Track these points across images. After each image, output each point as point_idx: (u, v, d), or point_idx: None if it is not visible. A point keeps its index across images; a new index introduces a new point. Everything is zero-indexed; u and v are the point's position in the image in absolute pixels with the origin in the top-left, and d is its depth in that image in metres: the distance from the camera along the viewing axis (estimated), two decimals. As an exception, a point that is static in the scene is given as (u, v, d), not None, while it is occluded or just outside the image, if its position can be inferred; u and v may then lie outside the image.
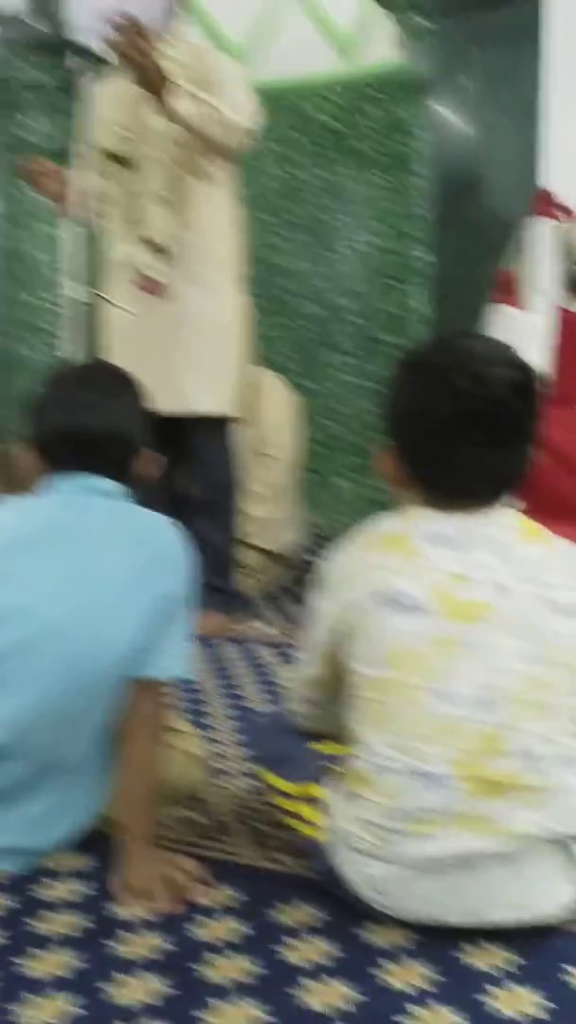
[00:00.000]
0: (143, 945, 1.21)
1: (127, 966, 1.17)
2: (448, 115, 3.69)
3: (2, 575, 1.35)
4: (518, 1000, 1.11)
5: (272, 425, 3.51)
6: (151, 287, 2.67)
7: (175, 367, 2.71)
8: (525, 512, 1.29)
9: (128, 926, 1.25)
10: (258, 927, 1.25)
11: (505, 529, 1.24)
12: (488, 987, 1.14)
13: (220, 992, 1.12)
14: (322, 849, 1.28)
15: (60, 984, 1.13)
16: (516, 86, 3.66)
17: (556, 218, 2.88)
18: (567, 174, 3.32)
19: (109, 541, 1.39)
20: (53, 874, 1.37)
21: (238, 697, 2.23)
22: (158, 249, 2.67)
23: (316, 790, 1.32)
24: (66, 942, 1.21)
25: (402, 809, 1.19)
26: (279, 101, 5.03)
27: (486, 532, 1.23)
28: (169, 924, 1.25)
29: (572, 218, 2.91)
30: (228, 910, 1.29)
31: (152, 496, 1.57)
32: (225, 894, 1.33)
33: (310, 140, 5.08)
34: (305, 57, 4.94)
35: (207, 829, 1.52)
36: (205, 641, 2.68)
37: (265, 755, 1.50)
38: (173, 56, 2.61)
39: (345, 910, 1.27)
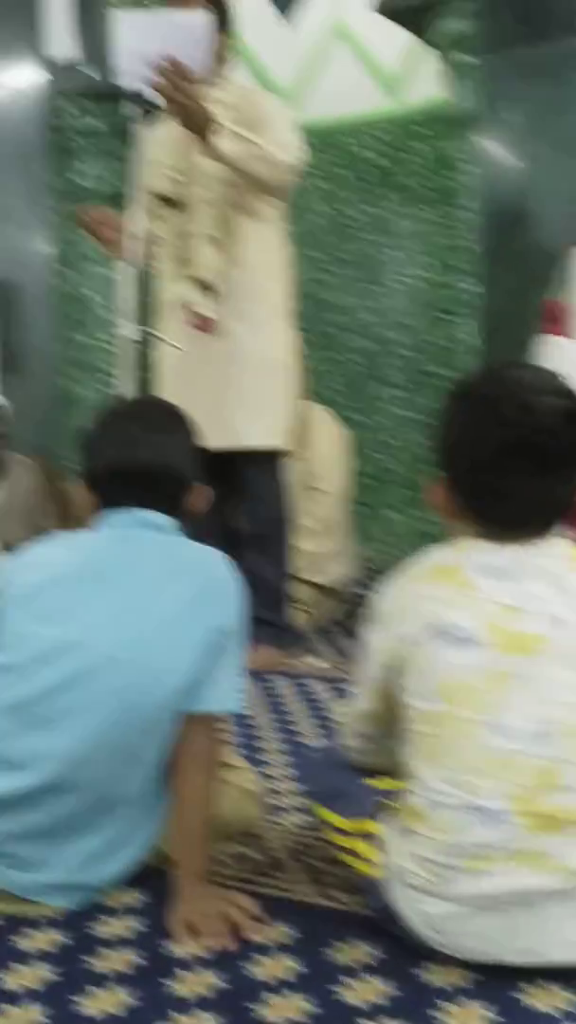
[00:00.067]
0: (198, 983, 1.20)
1: (182, 1004, 1.16)
2: (494, 149, 3.71)
3: (54, 609, 1.37)
4: (581, 1044, 1.08)
5: (321, 459, 3.52)
6: (203, 324, 2.71)
7: (225, 403, 2.74)
8: (577, 541, 1.27)
9: (183, 963, 1.24)
10: (314, 965, 1.24)
11: (558, 559, 1.23)
12: (550, 1030, 1.11)
13: (275, 1031, 1.10)
14: (378, 886, 1.26)
15: (115, 1023, 1.13)
16: (561, 119, 3.67)
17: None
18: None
19: (161, 575, 1.40)
20: (108, 910, 1.37)
21: (291, 732, 2.22)
22: (208, 288, 2.71)
23: (371, 826, 1.31)
24: (121, 979, 1.21)
25: (458, 845, 1.17)
26: (327, 139, 5.11)
27: (539, 563, 1.22)
28: (224, 962, 1.24)
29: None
30: (283, 948, 1.28)
31: (203, 530, 1.59)
32: (280, 931, 1.31)
33: (358, 177, 5.14)
34: (352, 96, 5.01)
35: (261, 865, 1.51)
36: (258, 676, 2.68)
37: (318, 790, 1.49)
38: (221, 98, 2.66)
39: (402, 948, 1.25)
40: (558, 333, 2.83)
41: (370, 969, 1.23)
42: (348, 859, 1.36)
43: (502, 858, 1.16)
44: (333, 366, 5.19)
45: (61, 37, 4.48)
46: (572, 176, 3.62)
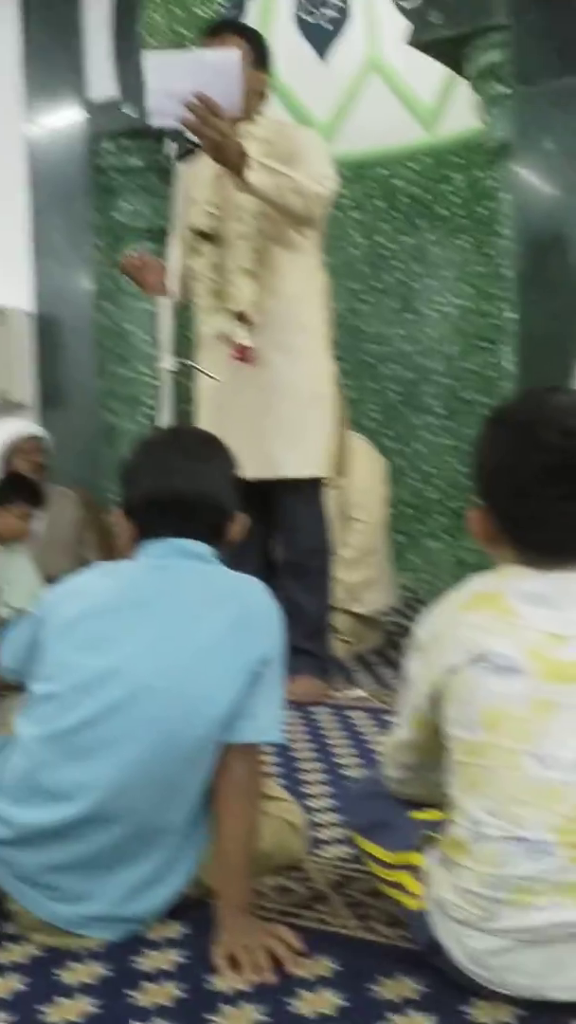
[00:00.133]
0: (240, 1017, 1.19)
1: (224, 1038, 1.15)
2: (529, 177, 3.71)
3: (95, 639, 1.37)
4: None
5: (360, 488, 3.52)
6: (245, 355, 2.73)
7: (264, 432, 2.76)
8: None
9: (225, 997, 1.23)
10: (357, 1000, 1.22)
11: (602, 586, 1.21)
12: (600, 1070, 1.08)
13: (319, 1068, 1.09)
14: (421, 919, 1.25)
15: (157, 1055, 1.12)
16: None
17: None
18: None
19: (200, 604, 1.40)
20: (149, 942, 1.36)
21: (332, 763, 2.20)
22: (246, 320, 2.74)
23: (414, 858, 1.29)
24: (163, 1012, 1.20)
25: (501, 877, 1.15)
26: (362, 172, 5.16)
27: (581, 590, 1.20)
28: (266, 995, 1.23)
29: None
30: (326, 982, 1.26)
31: (243, 560, 1.59)
32: (323, 965, 1.30)
33: (393, 208, 5.18)
34: (387, 128, 5.06)
35: (303, 898, 1.49)
36: (298, 706, 2.67)
37: (360, 822, 1.47)
38: (256, 132, 2.71)
39: (447, 983, 1.22)
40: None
41: (414, 1005, 1.21)
42: (391, 892, 1.34)
43: (547, 891, 1.13)
44: (370, 395, 5.21)
45: (102, 77, 4.58)
46: (608, 202, 3.61)
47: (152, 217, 4.65)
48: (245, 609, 1.40)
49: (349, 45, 5.11)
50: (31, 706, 1.40)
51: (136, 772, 1.33)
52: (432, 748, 1.28)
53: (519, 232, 3.80)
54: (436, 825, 1.29)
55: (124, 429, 4.72)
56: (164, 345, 2.68)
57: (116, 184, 4.67)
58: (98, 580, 1.46)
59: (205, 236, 2.79)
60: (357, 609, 3.57)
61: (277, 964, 1.28)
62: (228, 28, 2.87)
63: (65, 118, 4.68)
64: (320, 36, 5.16)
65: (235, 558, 1.54)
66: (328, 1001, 1.22)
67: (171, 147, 2.59)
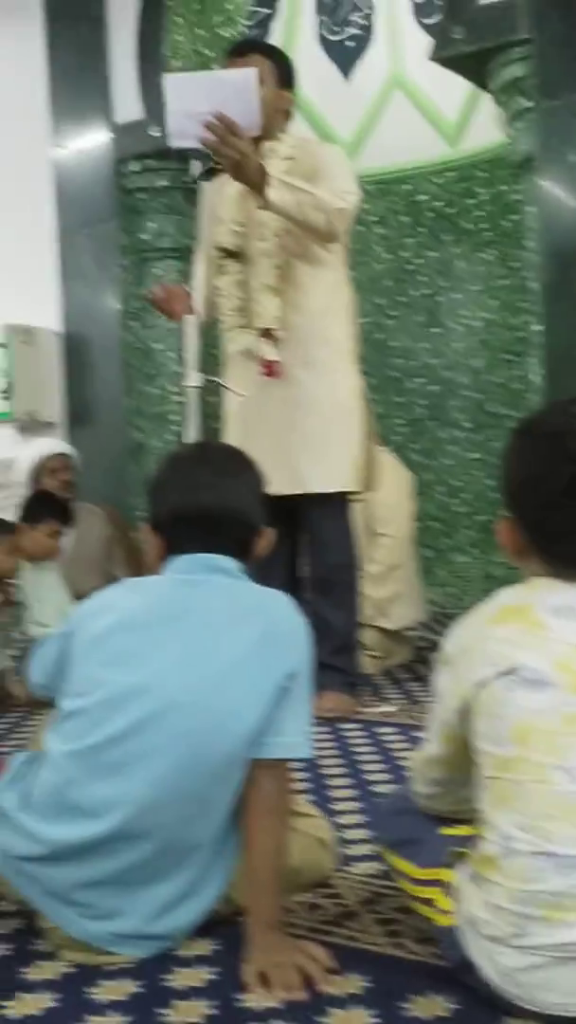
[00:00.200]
0: (270, 1034, 1.18)
1: (254, 1056, 1.14)
2: (553, 189, 3.71)
3: (122, 654, 1.38)
4: None
5: (386, 503, 3.51)
6: (272, 370, 2.75)
7: (291, 448, 2.76)
8: None
9: (255, 1015, 1.22)
10: (388, 1018, 1.21)
11: (631, 598, 1.20)
12: None
13: None
14: (452, 936, 1.23)
15: (187, 1073, 1.11)
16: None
17: None
18: None
19: (227, 619, 1.40)
20: (180, 959, 1.36)
21: (361, 779, 2.19)
22: (272, 337, 2.75)
23: (445, 874, 1.28)
24: (193, 1029, 1.20)
25: (532, 893, 1.13)
26: (387, 187, 5.18)
27: (611, 602, 1.19)
28: (297, 1013, 1.22)
29: None
30: (357, 999, 1.25)
31: (269, 575, 1.59)
32: (353, 983, 1.29)
33: (420, 223, 5.19)
34: (411, 144, 5.08)
35: (333, 914, 1.48)
36: (327, 722, 2.66)
37: (390, 838, 1.46)
38: (280, 150, 2.73)
39: (478, 1001, 1.21)
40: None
41: (445, 1023, 1.19)
42: (422, 909, 1.33)
43: (580, 907, 1.12)
44: (397, 409, 5.21)
45: (127, 99, 4.64)
46: None
47: (178, 236, 4.69)
48: (272, 624, 1.40)
49: (372, 62, 5.15)
50: (60, 722, 1.41)
51: (165, 788, 1.33)
52: (461, 763, 1.28)
53: (544, 244, 3.80)
54: (466, 841, 1.28)
55: (151, 446, 4.75)
56: (190, 362, 2.70)
57: (142, 204, 4.72)
58: (126, 595, 1.47)
59: (230, 254, 2.81)
60: (385, 624, 3.56)
61: (308, 982, 1.27)
62: (252, 47, 2.90)
63: (91, 140, 4.74)
64: (343, 54, 5.20)
65: (262, 573, 1.54)
66: (359, 1019, 1.20)
67: (196, 167, 2.61)
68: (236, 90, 2.46)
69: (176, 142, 2.54)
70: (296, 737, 1.37)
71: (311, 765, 2.22)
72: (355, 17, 5.15)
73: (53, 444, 4.21)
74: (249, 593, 1.45)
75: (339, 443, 2.81)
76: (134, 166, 4.64)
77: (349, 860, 1.68)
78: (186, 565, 1.44)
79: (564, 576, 1.21)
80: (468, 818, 1.29)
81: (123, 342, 4.70)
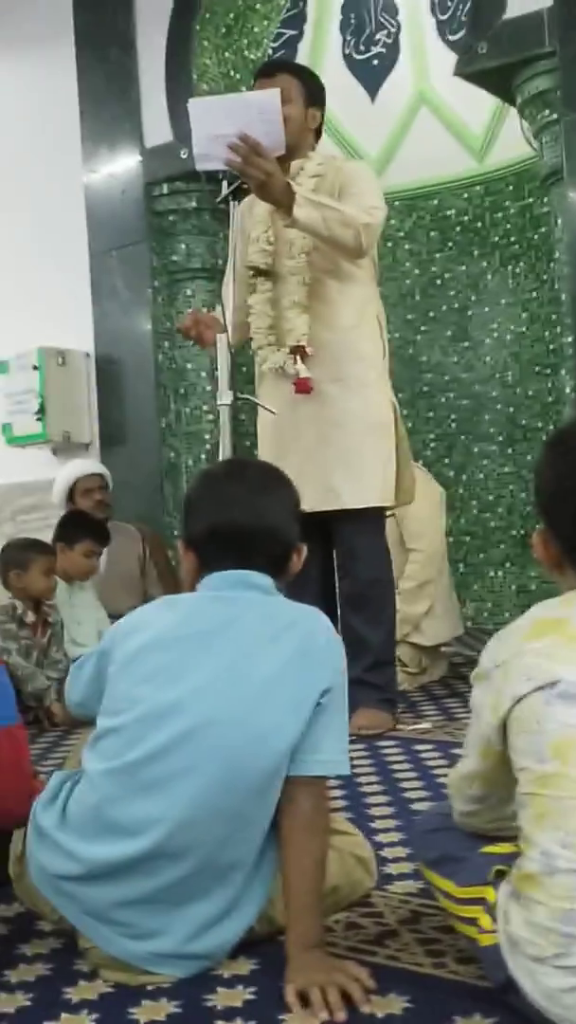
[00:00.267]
0: (311, 1055, 1.17)
1: (295, 1077, 1.13)
2: (584, 200, 3.70)
3: (158, 672, 1.38)
4: None
5: (417, 518, 3.50)
6: (303, 386, 2.76)
7: (323, 464, 2.77)
8: None
9: (295, 1035, 1.21)
10: (430, 1040, 1.19)
11: None
12: None
13: None
14: (495, 956, 1.22)
15: None
16: None
17: None
18: None
19: (262, 636, 1.40)
20: (220, 979, 1.35)
21: (398, 796, 2.17)
22: (302, 354, 2.77)
23: (486, 893, 1.27)
24: (233, 1050, 1.19)
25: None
26: (415, 204, 5.19)
27: None
28: (337, 1034, 1.21)
29: None
30: (398, 1020, 1.24)
31: (303, 591, 1.59)
32: (394, 1003, 1.27)
33: (448, 238, 5.19)
34: (438, 159, 5.08)
35: (373, 933, 1.47)
36: (362, 739, 2.64)
37: (429, 856, 1.45)
38: (308, 168, 2.75)
39: (521, 1022, 1.19)
40: None
41: (489, 1044, 1.18)
42: (463, 928, 1.31)
43: (625, 926, 1.10)
44: (428, 424, 5.19)
45: (157, 123, 4.69)
46: None
47: (207, 257, 4.73)
48: (307, 640, 1.40)
49: (398, 80, 5.16)
50: (97, 740, 1.41)
51: (203, 806, 1.33)
52: (500, 779, 1.26)
53: (573, 256, 3.78)
54: (508, 858, 1.26)
55: (184, 466, 4.78)
56: (222, 381, 2.71)
57: (172, 226, 4.76)
58: (161, 613, 1.47)
59: (261, 272, 2.84)
60: (420, 640, 3.54)
61: (348, 1002, 1.26)
62: (280, 68, 2.94)
63: (122, 164, 4.80)
64: (369, 73, 5.22)
65: (295, 589, 1.54)
66: (401, 1040, 1.19)
67: (226, 188, 2.64)
68: (260, 111, 2.49)
69: (202, 165, 2.57)
70: (333, 754, 1.37)
71: (348, 783, 2.21)
72: (380, 36, 5.18)
73: (87, 465, 4.26)
74: (283, 610, 1.44)
75: (372, 458, 2.81)
76: (164, 188, 4.69)
77: (388, 878, 1.67)
78: (221, 582, 1.45)
79: (600, 588, 1.20)
80: (508, 835, 1.28)
81: (155, 362, 4.74)
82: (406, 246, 5.23)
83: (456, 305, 5.16)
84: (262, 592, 1.45)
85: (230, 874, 1.37)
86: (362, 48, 5.22)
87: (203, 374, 4.71)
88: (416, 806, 2.09)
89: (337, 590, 2.93)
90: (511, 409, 5.02)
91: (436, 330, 5.21)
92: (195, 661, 1.38)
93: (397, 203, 4.93)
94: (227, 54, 4.77)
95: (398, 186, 4.97)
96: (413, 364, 5.16)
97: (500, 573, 4.99)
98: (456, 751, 2.38)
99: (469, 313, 5.13)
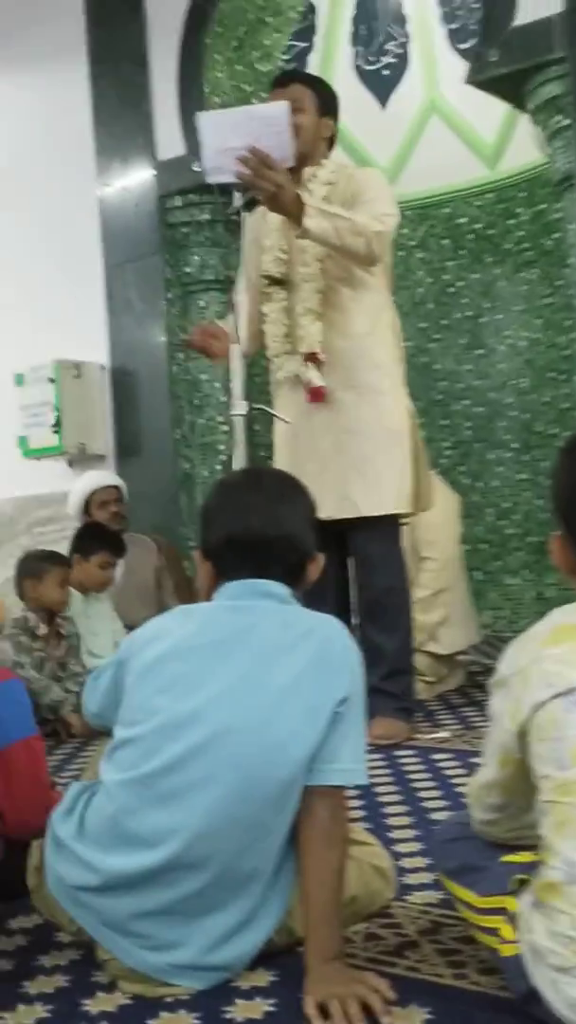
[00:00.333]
0: (332, 1068, 1.16)
1: None
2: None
3: (175, 682, 1.38)
4: None
5: (431, 526, 3.48)
6: (316, 394, 2.76)
7: (339, 472, 2.76)
8: None
9: (315, 1047, 1.21)
10: (452, 1051, 1.18)
11: None
12: None
13: None
14: (516, 966, 1.20)
15: None
16: None
17: None
18: None
19: (279, 644, 1.39)
20: (237, 991, 1.34)
21: (417, 805, 2.16)
22: (316, 361, 2.77)
23: (507, 902, 1.25)
24: (253, 1062, 1.18)
25: (599, 920, 1.11)
26: (428, 212, 5.19)
27: None
28: (358, 1045, 1.20)
29: None
30: (419, 1032, 1.23)
31: (319, 600, 1.58)
32: (415, 1015, 1.26)
33: (461, 246, 5.19)
34: (450, 167, 5.09)
35: (393, 944, 1.46)
36: (380, 748, 2.63)
37: (449, 866, 1.44)
38: (321, 176, 2.76)
39: (545, 1034, 1.18)
40: None
41: (512, 1056, 1.17)
42: (485, 938, 1.30)
43: None
44: (443, 432, 5.18)
45: (169, 136, 4.72)
46: None
47: (221, 268, 4.75)
48: (324, 649, 1.39)
49: (408, 89, 5.18)
50: (114, 751, 1.41)
51: (221, 816, 1.32)
52: (519, 788, 1.25)
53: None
54: (528, 867, 1.25)
55: (199, 476, 4.79)
56: (236, 391, 2.72)
57: (185, 238, 4.79)
58: (177, 622, 1.46)
59: (275, 281, 2.84)
60: (436, 649, 3.52)
61: (368, 1013, 1.25)
62: (294, 78, 2.96)
63: (135, 177, 4.83)
64: (380, 83, 5.24)
65: (312, 598, 1.53)
66: (422, 1052, 1.18)
67: (237, 199, 2.65)
68: (269, 123, 2.50)
69: (213, 178, 2.58)
70: (351, 763, 1.36)
71: (366, 792, 2.20)
72: (390, 46, 5.20)
73: (103, 477, 4.27)
74: (300, 618, 1.44)
75: (387, 466, 2.80)
76: (177, 201, 4.72)
77: (408, 889, 1.66)
78: (237, 591, 1.45)
79: (616, 593, 1.19)
80: (529, 844, 1.27)
81: (170, 373, 4.76)
82: (419, 255, 5.23)
83: (469, 313, 5.16)
84: (279, 601, 1.44)
85: (248, 885, 1.36)
86: (372, 59, 5.24)
87: (217, 385, 4.72)
88: (435, 815, 2.07)
89: (353, 599, 2.92)
90: (526, 416, 5.01)
91: (450, 338, 5.21)
92: (212, 671, 1.37)
93: (409, 212, 4.93)
94: (238, 67, 4.80)
95: (410, 195, 4.98)
96: (427, 372, 5.15)
97: (517, 580, 4.97)
98: (474, 760, 2.36)
99: (483, 320, 5.13)
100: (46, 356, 4.84)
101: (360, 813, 2.08)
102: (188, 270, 4.79)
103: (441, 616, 3.52)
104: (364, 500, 2.78)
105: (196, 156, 4.52)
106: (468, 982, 1.34)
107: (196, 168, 4.47)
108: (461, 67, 4.28)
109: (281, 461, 2.88)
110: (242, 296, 2.77)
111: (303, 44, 5.22)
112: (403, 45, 5.19)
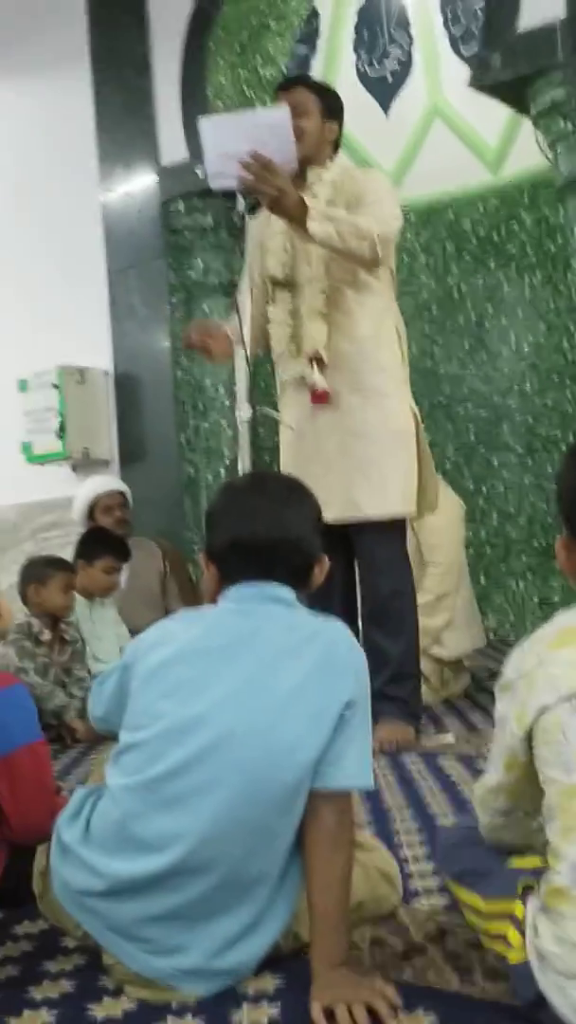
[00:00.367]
0: (338, 1074, 1.16)
1: None
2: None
3: (180, 686, 1.37)
4: None
5: (435, 530, 3.48)
6: (320, 397, 2.76)
7: (344, 474, 2.76)
8: None
9: (322, 1053, 1.20)
10: (459, 1057, 1.18)
11: None
12: None
13: None
14: (523, 971, 1.20)
15: None
16: None
17: None
18: None
19: (284, 648, 1.39)
20: (243, 996, 1.34)
21: (423, 810, 2.15)
22: (320, 362, 2.77)
23: (514, 907, 1.25)
24: (259, 1068, 1.18)
25: (605, 925, 1.10)
26: (431, 217, 5.20)
27: None
28: (364, 1051, 1.20)
29: None
30: (426, 1037, 1.22)
31: (324, 603, 1.58)
32: (421, 1020, 1.26)
33: (464, 250, 5.19)
34: (453, 171, 5.10)
35: (400, 950, 1.45)
36: (385, 753, 2.63)
37: (456, 870, 1.44)
38: (325, 178, 2.77)
39: (552, 1040, 1.17)
40: None
41: (520, 1062, 1.16)
42: (491, 943, 1.30)
43: None
44: (447, 436, 5.18)
45: (173, 141, 4.73)
46: None
47: (224, 273, 4.75)
48: (329, 653, 1.39)
49: (411, 94, 5.19)
50: (119, 755, 1.41)
51: (226, 820, 1.32)
52: (525, 792, 1.25)
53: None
54: (535, 872, 1.25)
55: (204, 481, 4.79)
56: (240, 395, 2.72)
57: (189, 243, 4.79)
58: (182, 627, 1.46)
59: (280, 283, 2.84)
60: (440, 653, 3.52)
61: (375, 1019, 1.24)
62: (299, 83, 2.96)
63: (138, 182, 4.84)
64: (383, 88, 5.25)
65: (317, 602, 1.53)
66: (429, 1057, 1.18)
67: (241, 203, 2.65)
68: (271, 128, 2.50)
69: (215, 183, 2.59)
70: (356, 767, 1.35)
71: (372, 797, 2.19)
72: (393, 51, 5.21)
73: (107, 481, 4.27)
74: (305, 622, 1.44)
75: (392, 468, 2.80)
76: (180, 206, 4.73)
77: (414, 894, 1.65)
78: (242, 595, 1.44)
79: (623, 597, 1.19)
80: (534, 848, 1.26)
81: (173, 378, 4.76)
82: (422, 259, 5.24)
83: (473, 317, 5.16)
84: (284, 605, 1.44)
85: (254, 889, 1.36)
86: (375, 64, 5.25)
87: (221, 389, 4.72)
88: (441, 820, 2.07)
89: (358, 601, 2.92)
90: (530, 419, 5.01)
91: (453, 342, 5.21)
92: (217, 675, 1.37)
93: (413, 216, 4.94)
94: (242, 72, 4.81)
95: (413, 199, 4.98)
96: (431, 376, 5.15)
97: (522, 584, 4.97)
98: (480, 764, 2.36)
99: (486, 325, 5.13)
100: (50, 362, 4.85)
101: (366, 818, 2.07)
102: (192, 275, 4.80)
103: (445, 620, 3.52)
104: (369, 502, 2.77)
105: (199, 161, 4.55)
106: (475, 988, 1.33)
107: (198, 173, 4.48)
108: (464, 72, 4.28)
109: (286, 463, 2.88)
110: (245, 297, 2.77)
111: (306, 49, 5.23)
112: (406, 50, 5.20)
